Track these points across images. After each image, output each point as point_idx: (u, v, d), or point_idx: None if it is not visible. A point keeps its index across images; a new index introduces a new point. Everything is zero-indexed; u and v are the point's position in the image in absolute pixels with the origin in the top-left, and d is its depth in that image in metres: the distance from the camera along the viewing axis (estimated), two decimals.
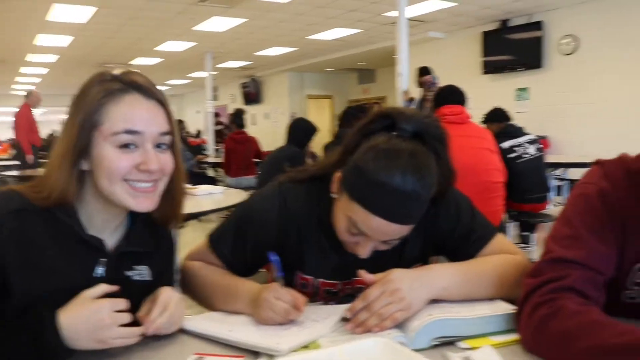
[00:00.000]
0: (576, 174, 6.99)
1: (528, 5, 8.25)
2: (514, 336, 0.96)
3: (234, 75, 15.41)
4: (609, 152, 1.14)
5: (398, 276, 1.05)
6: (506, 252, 1.21)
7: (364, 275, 1.07)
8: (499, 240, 1.24)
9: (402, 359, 0.81)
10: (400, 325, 1.00)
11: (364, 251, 1.13)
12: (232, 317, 1.11)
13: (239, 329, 1.03)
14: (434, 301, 1.05)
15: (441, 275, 1.09)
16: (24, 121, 8.33)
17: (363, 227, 1.08)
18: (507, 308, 1.03)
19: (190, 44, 10.34)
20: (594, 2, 7.89)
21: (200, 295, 1.24)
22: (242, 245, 1.24)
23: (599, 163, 1.06)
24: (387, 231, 1.07)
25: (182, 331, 1.04)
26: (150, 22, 8.44)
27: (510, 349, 0.92)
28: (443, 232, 1.25)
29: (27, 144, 8.19)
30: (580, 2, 8.00)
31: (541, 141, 4.43)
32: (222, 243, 1.27)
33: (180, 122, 7.64)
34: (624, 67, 7.57)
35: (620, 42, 7.64)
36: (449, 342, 0.95)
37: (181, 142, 1.11)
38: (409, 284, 1.03)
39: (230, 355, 0.94)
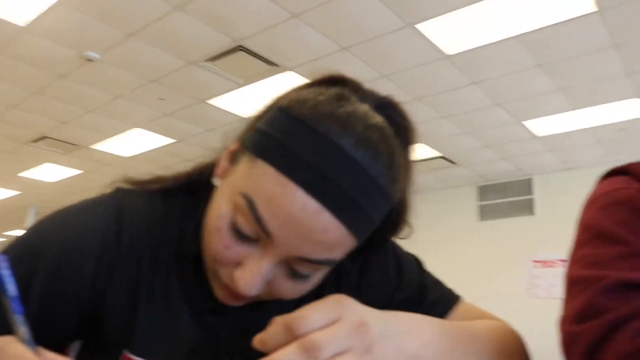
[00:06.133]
0: None
1: None
2: None
3: None
4: None
5: (360, 307, 0.53)
6: (487, 319, 0.78)
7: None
8: (468, 305, 0.82)
9: None
10: None
11: (248, 280, 0.60)
12: None
13: None
14: None
15: (417, 327, 0.59)
16: None
17: (267, 211, 0.58)
18: None
19: (14, 193, 9.32)
20: (425, 192, 8.57)
21: None
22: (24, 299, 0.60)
23: (615, 172, 0.80)
24: (308, 228, 0.58)
25: None
26: None
27: None
28: (378, 295, 0.79)
29: None
30: (413, 190, 8.63)
31: None
32: None
33: None
34: (451, 251, 8.09)
35: (447, 229, 8.28)
36: None
37: None
38: (382, 324, 0.53)
39: None
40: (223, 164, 0.68)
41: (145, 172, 0.80)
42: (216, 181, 0.68)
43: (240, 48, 4.18)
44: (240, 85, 4.88)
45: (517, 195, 7.66)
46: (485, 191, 8.00)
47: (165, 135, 6.26)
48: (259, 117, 0.67)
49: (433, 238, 8.38)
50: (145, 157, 7.08)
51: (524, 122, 5.62)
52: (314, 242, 0.59)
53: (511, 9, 3.55)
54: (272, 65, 4.42)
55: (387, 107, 0.70)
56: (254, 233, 0.60)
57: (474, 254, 7.84)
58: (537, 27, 3.75)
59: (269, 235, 0.58)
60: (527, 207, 7.53)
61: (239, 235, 0.60)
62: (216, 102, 5.25)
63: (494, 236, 7.72)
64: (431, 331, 0.60)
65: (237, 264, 0.62)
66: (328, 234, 0.58)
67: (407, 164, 0.71)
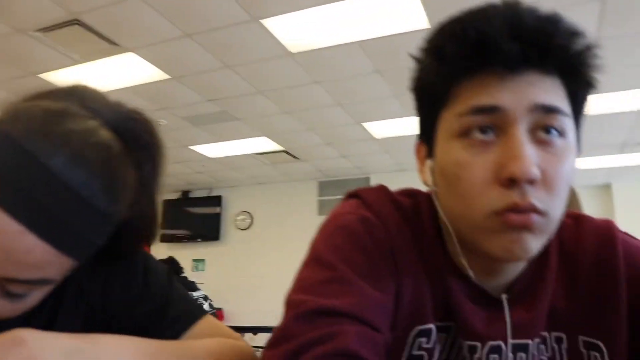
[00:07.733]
0: (253, 340, 7.02)
1: (209, 179, 8.62)
2: None
3: None
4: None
5: (29, 349, 0.51)
6: (224, 337, 0.80)
7: None
8: (210, 321, 0.82)
9: None
10: None
11: None
12: None
13: None
14: None
15: (116, 350, 0.59)
16: None
17: None
18: None
19: None
20: (268, 184, 8.68)
21: None
22: None
23: (352, 195, 0.80)
24: (10, 249, 0.56)
25: None
26: None
27: None
28: (121, 305, 0.78)
29: None
30: (257, 182, 8.70)
31: (217, 312, 4.30)
32: None
33: None
34: (290, 244, 8.28)
35: (287, 221, 8.44)
36: None
37: None
38: (57, 357, 0.52)
39: None
40: None
41: None
42: None
43: (77, 22, 3.91)
44: (76, 62, 4.55)
45: None
46: (325, 187, 8.28)
47: None
48: None
49: (275, 230, 8.54)
50: None
51: (363, 124, 5.91)
52: (19, 263, 0.57)
53: (354, 15, 3.72)
54: (111, 44, 4.19)
55: (128, 123, 0.69)
56: None
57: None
58: (376, 36, 3.97)
59: None
60: None
61: None
62: (49, 76, 4.86)
63: None
64: (130, 355, 0.60)
65: None
66: (33, 254, 0.57)
67: (148, 179, 0.71)
